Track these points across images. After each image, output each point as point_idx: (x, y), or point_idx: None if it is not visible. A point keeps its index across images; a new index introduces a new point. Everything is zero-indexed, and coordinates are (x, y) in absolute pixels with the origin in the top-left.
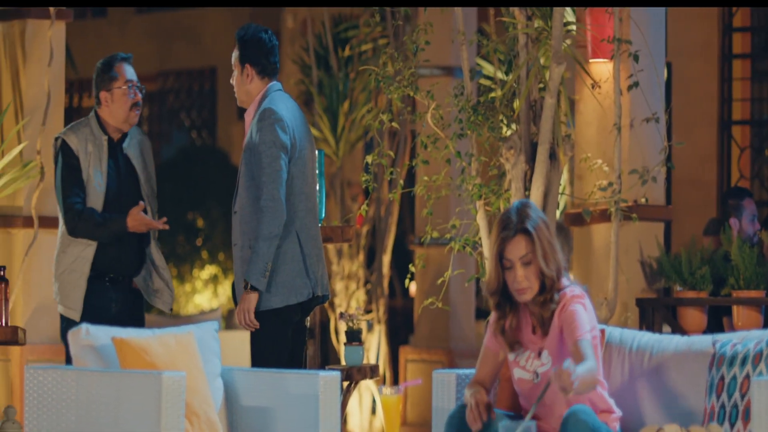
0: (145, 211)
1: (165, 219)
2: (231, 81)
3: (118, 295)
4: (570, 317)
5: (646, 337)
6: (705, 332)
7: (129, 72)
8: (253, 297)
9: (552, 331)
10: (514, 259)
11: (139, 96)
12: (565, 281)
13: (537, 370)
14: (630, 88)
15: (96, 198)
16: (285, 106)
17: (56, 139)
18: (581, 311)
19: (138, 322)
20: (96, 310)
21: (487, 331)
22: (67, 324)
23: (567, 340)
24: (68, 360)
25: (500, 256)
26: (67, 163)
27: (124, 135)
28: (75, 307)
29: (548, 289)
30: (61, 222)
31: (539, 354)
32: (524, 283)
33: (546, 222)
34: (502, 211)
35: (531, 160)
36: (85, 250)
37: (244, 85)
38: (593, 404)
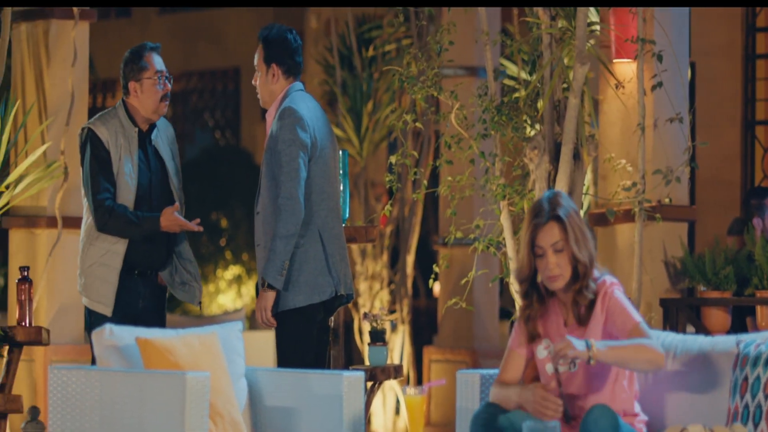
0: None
1: (198, 220)
2: (253, 82)
3: (145, 291)
4: (617, 305)
5: (670, 338)
6: (729, 332)
7: (158, 62)
8: (270, 295)
9: (594, 320)
10: (546, 246)
11: (168, 86)
12: (596, 272)
13: (575, 360)
14: (654, 88)
15: (127, 191)
16: (306, 105)
17: (83, 129)
18: (625, 298)
19: (161, 321)
20: (124, 306)
21: (512, 333)
22: (95, 319)
23: (620, 327)
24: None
25: (532, 244)
26: (96, 155)
27: (152, 126)
28: (106, 302)
29: (582, 277)
30: (86, 215)
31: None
32: (556, 270)
33: (577, 211)
34: (525, 211)
35: (555, 160)
36: (116, 244)
37: (269, 84)
38: (617, 406)
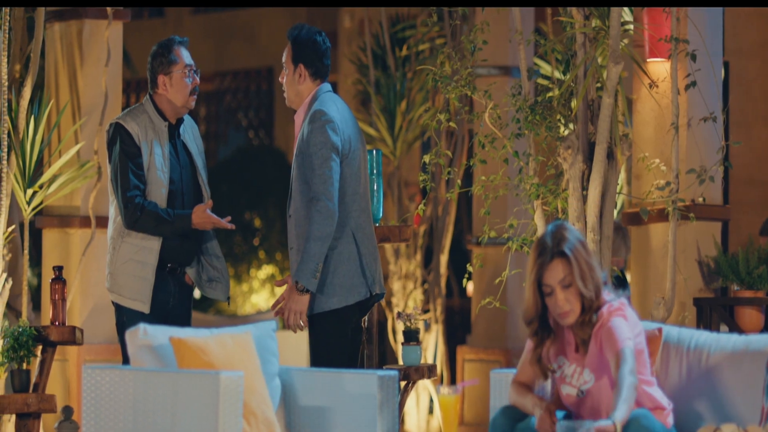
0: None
1: (229, 218)
2: (280, 79)
3: (175, 289)
4: (608, 333)
5: (704, 337)
6: (762, 331)
7: (186, 56)
8: (305, 299)
9: (591, 349)
10: (554, 283)
11: (197, 80)
12: (605, 296)
13: (581, 387)
14: (687, 87)
15: (159, 186)
16: (336, 107)
17: (111, 124)
18: (620, 324)
19: (188, 320)
20: (158, 303)
21: (521, 362)
22: (128, 317)
23: (608, 356)
24: (125, 354)
25: (539, 283)
26: (126, 150)
27: (179, 121)
28: (144, 299)
29: (587, 310)
30: (114, 212)
31: (582, 371)
32: (566, 306)
33: (583, 242)
34: (559, 211)
35: (588, 159)
36: (149, 240)
37: (295, 84)
38: (642, 405)
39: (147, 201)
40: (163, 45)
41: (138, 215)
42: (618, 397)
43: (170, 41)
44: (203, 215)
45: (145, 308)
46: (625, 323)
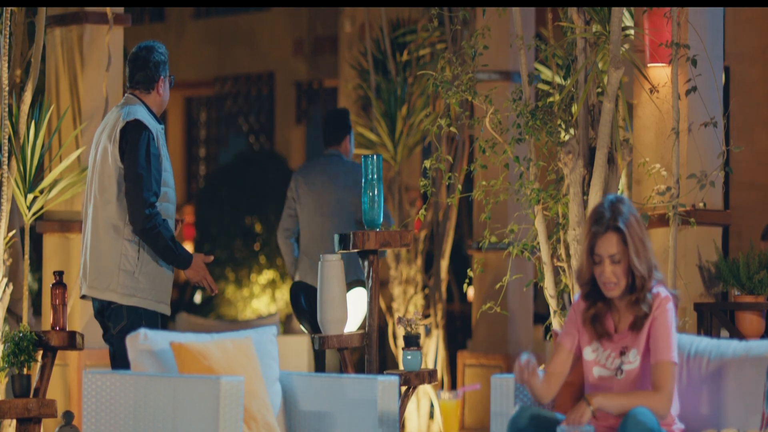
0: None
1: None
2: None
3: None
4: (662, 328)
5: (704, 342)
6: (763, 337)
7: None
8: None
9: (643, 332)
10: (604, 255)
11: None
12: (653, 282)
13: (622, 367)
14: (688, 92)
15: (170, 191)
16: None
17: (135, 120)
18: (673, 321)
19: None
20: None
21: (564, 327)
22: (150, 320)
23: (653, 352)
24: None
25: (591, 250)
26: (153, 152)
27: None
28: (167, 301)
29: (639, 289)
30: (119, 212)
31: (621, 352)
32: (612, 279)
33: (638, 218)
34: (560, 216)
35: (589, 164)
36: None
37: None
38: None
39: (161, 216)
40: (165, 50)
41: (157, 226)
42: (626, 395)
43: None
44: (202, 268)
45: (168, 310)
46: (675, 323)
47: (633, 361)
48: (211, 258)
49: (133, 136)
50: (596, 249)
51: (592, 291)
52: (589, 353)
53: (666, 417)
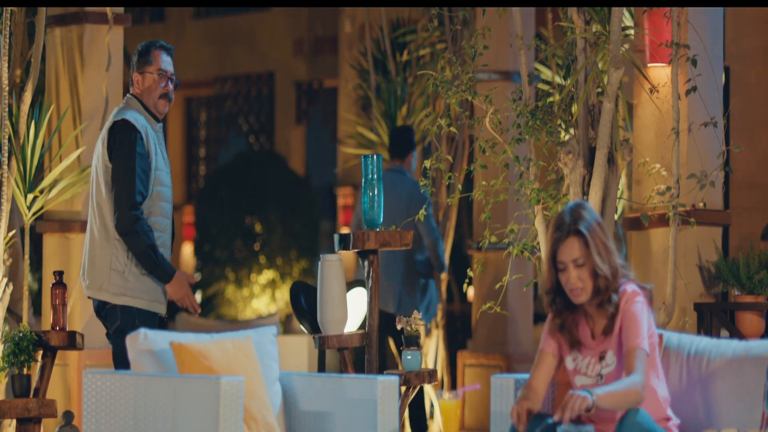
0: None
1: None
2: None
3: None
4: (630, 319)
5: (704, 342)
6: (763, 336)
7: (165, 62)
8: None
9: (615, 331)
10: (567, 260)
11: (170, 87)
12: (622, 281)
13: (601, 372)
14: (688, 92)
15: (164, 189)
16: None
17: (122, 120)
18: (642, 312)
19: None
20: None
21: (543, 336)
22: (145, 320)
23: (625, 343)
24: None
25: (554, 258)
26: (140, 152)
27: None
28: (162, 301)
29: (603, 291)
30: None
31: (600, 357)
32: (578, 284)
33: (600, 223)
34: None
35: (589, 164)
36: (162, 240)
37: None
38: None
39: (146, 222)
40: (144, 45)
41: (137, 229)
42: (611, 385)
43: (152, 43)
44: (185, 286)
45: (163, 310)
46: (646, 314)
47: (611, 363)
48: (197, 278)
49: (120, 136)
50: (559, 256)
51: (557, 300)
52: (570, 362)
53: (644, 398)
